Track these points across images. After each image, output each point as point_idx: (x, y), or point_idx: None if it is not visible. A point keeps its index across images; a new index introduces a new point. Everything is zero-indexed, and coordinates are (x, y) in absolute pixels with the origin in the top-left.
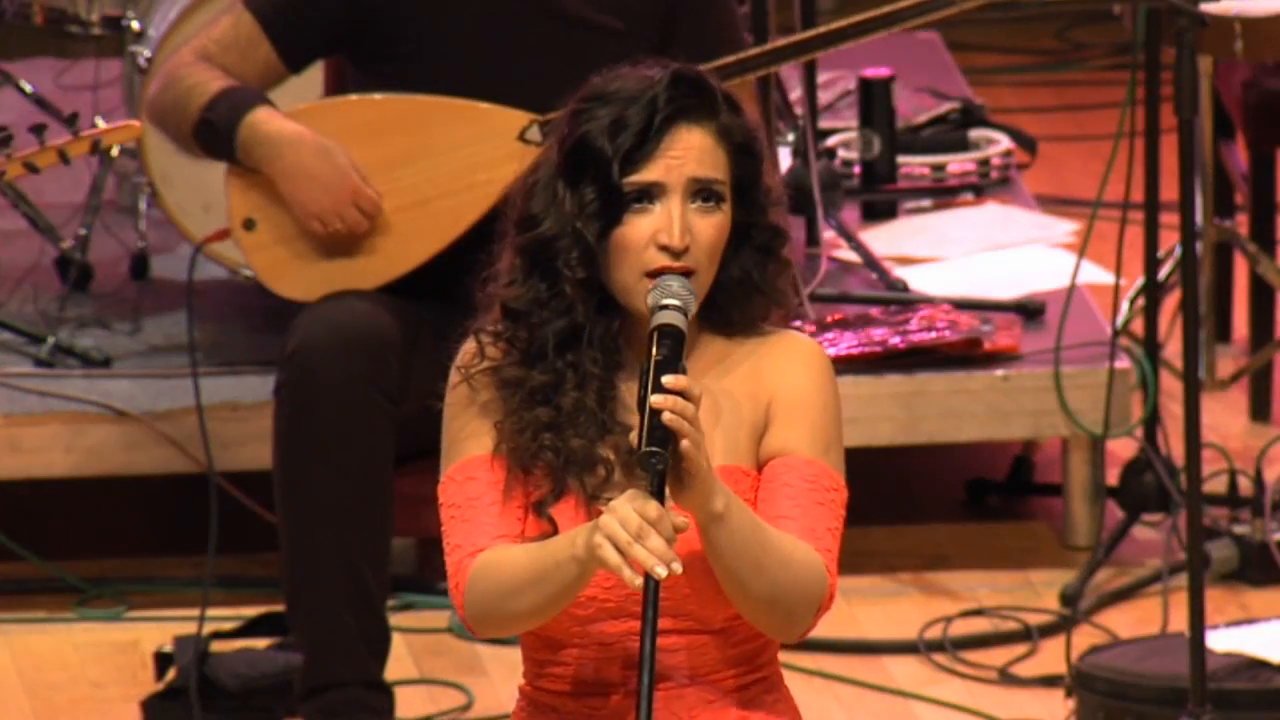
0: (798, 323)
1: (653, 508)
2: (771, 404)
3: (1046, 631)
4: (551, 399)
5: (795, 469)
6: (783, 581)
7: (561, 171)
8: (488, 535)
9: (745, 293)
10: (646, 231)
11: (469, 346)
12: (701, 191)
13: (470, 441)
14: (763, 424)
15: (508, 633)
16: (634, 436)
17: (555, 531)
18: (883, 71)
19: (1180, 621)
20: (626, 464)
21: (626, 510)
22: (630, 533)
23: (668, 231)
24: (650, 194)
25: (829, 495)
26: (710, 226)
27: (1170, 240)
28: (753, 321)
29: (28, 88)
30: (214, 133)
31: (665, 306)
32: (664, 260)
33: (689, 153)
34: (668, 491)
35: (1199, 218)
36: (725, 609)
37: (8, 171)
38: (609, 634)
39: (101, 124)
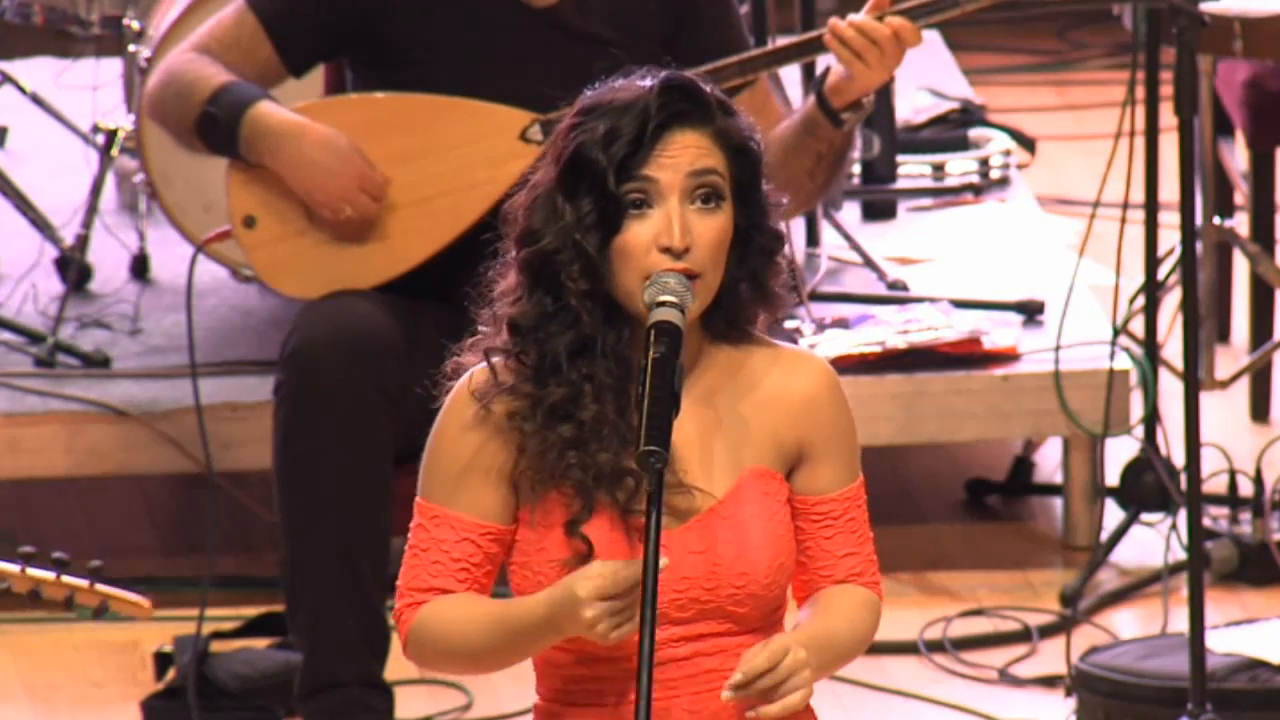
0: (794, 323)
1: (623, 580)
2: (806, 440)
3: (1046, 631)
4: (572, 414)
5: (846, 501)
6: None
7: (559, 185)
8: (446, 580)
9: (751, 298)
10: (647, 236)
11: (477, 373)
12: (701, 188)
13: (465, 483)
14: (791, 443)
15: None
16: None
17: (590, 551)
18: None
19: (1180, 621)
20: None
21: (602, 605)
22: (623, 612)
23: (667, 233)
24: (649, 198)
25: (863, 509)
26: (712, 227)
27: (1170, 240)
28: (751, 327)
29: (28, 87)
30: (216, 126)
31: (662, 304)
32: (666, 263)
33: (685, 152)
34: (664, 493)
35: (1199, 218)
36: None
37: (15, 586)
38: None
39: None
